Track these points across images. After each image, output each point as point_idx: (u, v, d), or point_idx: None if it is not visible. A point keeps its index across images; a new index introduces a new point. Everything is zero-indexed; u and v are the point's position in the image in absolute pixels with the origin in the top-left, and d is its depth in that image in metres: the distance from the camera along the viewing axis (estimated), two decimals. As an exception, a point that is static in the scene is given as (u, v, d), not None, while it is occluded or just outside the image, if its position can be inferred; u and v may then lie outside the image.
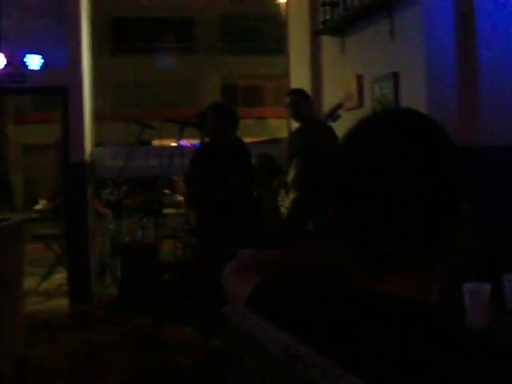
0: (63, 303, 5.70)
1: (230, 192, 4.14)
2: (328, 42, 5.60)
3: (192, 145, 4.54)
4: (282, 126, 7.15)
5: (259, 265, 1.21)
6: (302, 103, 4.55)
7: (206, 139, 4.35)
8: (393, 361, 0.72)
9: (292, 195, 4.48)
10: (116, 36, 17.48)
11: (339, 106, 4.20)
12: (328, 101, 5.49)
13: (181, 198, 5.87)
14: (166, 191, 7.09)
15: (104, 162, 5.88)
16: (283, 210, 4.58)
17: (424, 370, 0.69)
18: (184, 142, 5.13)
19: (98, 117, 6.39)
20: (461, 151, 0.84)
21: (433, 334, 0.74)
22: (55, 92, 5.90)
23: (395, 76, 4.50)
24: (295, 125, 5.13)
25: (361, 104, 5.02)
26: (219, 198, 4.11)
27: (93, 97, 6.05)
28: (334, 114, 4.18)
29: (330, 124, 4.28)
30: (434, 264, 0.83)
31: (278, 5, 6.58)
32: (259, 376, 0.83)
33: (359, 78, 5.05)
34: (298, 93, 4.67)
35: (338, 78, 5.42)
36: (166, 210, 5.96)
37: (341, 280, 1.21)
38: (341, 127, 4.46)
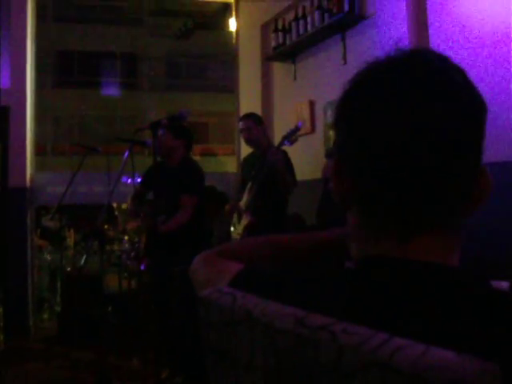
0: (-3, 338, 5.32)
1: (184, 216, 3.97)
2: (280, 69, 5.56)
3: (134, 183, 4.34)
4: (229, 162, 7.07)
5: (240, 252, 1.05)
6: (255, 127, 4.45)
7: (158, 158, 4.16)
8: (428, 329, 0.60)
9: (245, 220, 4.34)
10: (60, 69, 17.21)
11: (297, 129, 4.11)
12: (280, 127, 5.42)
13: (125, 237, 5.66)
14: (105, 226, 6.83)
15: (45, 187, 5.59)
16: (235, 235, 4.43)
17: (462, 335, 0.58)
18: (125, 178, 4.93)
19: (38, 148, 6.12)
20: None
21: (465, 296, 0.64)
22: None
23: (348, 101, 4.45)
24: (245, 151, 5.03)
25: (313, 129, 4.97)
26: (162, 232, 3.92)
27: (35, 121, 5.79)
28: (291, 137, 4.09)
29: (287, 147, 4.19)
30: (460, 228, 0.73)
31: (227, 39, 6.55)
32: (267, 361, 0.66)
33: (311, 104, 5.00)
34: (251, 117, 4.57)
35: (290, 103, 5.37)
36: (108, 246, 5.72)
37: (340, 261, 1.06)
38: (293, 152, 4.39)
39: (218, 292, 0.80)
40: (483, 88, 0.75)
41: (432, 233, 0.70)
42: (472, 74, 0.74)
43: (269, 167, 4.13)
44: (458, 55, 4.12)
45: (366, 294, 0.68)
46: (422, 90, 0.69)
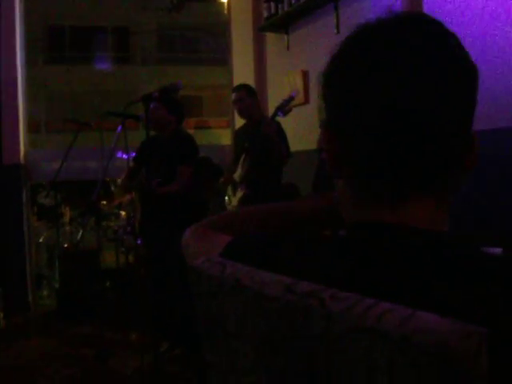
0: (-3, 315, 5.35)
1: (180, 184, 3.96)
2: (272, 39, 5.50)
3: (129, 158, 4.31)
4: (223, 135, 7.03)
5: (231, 223, 1.04)
6: (248, 99, 4.43)
7: (152, 133, 4.13)
8: (414, 292, 0.60)
9: (240, 193, 4.34)
10: (51, 44, 17.04)
11: (291, 99, 4.08)
12: (273, 98, 5.39)
13: (122, 212, 5.66)
14: (103, 202, 6.81)
15: (39, 164, 5.57)
16: (231, 208, 4.43)
17: (447, 299, 0.58)
18: (120, 153, 4.90)
19: (32, 126, 6.09)
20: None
21: (452, 260, 0.64)
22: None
23: (342, 70, 4.42)
24: (239, 123, 5.00)
25: (307, 99, 4.94)
26: (164, 194, 3.92)
27: (27, 99, 5.74)
28: (285, 108, 4.07)
29: (280, 118, 4.16)
30: (448, 193, 0.72)
31: (219, 10, 6.47)
32: (257, 328, 0.66)
33: (305, 74, 4.97)
34: (243, 87, 4.55)
35: (283, 74, 5.32)
36: (104, 222, 5.72)
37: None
38: (287, 123, 4.37)
39: (208, 261, 0.80)
40: (478, 54, 0.74)
41: (423, 199, 0.70)
42: (468, 44, 0.72)
43: (262, 139, 4.12)
44: (453, 24, 4.06)
45: (356, 260, 0.68)
46: (414, 53, 0.68)
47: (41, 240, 6.15)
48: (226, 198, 4.54)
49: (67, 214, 6.47)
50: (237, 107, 4.48)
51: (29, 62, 5.92)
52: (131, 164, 4.28)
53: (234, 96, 4.49)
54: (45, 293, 5.98)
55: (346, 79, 0.72)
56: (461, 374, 0.44)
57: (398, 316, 0.49)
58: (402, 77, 0.67)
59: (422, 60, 0.67)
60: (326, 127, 0.77)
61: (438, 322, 0.47)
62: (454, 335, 0.44)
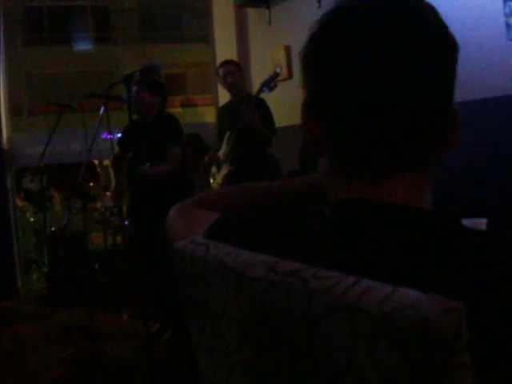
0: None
1: (172, 164, 3.95)
2: (254, 14, 5.46)
3: (113, 138, 4.27)
4: (208, 112, 6.98)
5: (218, 201, 1.04)
6: (237, 72, 4.42)
7: (135, 116, 4.09)
8: (394, 268, 0.61)
9: (224, 170, 4.34)
10: (30, 26, 16.78)
11: (276, 75, 4.07)
12: (256, 74, 5.36)
13: (108, 193, 5.61)
14: (90, 184, 6.78)
15: (23, 148, 5.52)
16: (215, 186, 4.43)
17: (432, 275, 0.59)
18: (105, 134, 4.86)
19: (14, 109, 6.01)
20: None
21: (435, 237, 0.64)
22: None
23: (324, 44, 4.40)
24: (223, 101, 4.98)
25: (290, 75, 4.92)
26: (157, 174, 3.91)
27: (7, 82, 5.66)
28: (270, 84, 4.06)
29: (266, 94, 4.15)
30: (431, 169, 0.72)
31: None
32: (241, 309, 0.66)
33: (287, 49, 4.94)
34: (231, 63, 4.54)
35: (265, 50, 5.29)
36: (91, 204, 5.70)
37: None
38: (271, 99, 4.36)
39: (191, 243, 0.80)
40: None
41: (404, 175, 0.70)
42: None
43: (245, 126, 4.11)
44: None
45: (337, 238, 0.68)
46: (392, 27, 0.67)
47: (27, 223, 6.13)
48: (211, 176, 4.53)
49: (56, 196, 6.45)
50: (227, 81, 4.45)
51: (7, 45, 5.84)
52: (116, 149, 4.24)
53: (222, 70, 4.46)
54: (34, 277, 5.97)
55: (324, 57, 0.71)
56: (441, 349, 0.45)
57: (379, 293, 0.49)
58: (379, 55, 0.66)
59: (399, 36, 0.67)
60: (305, 106, 0.76)
61: (418, 298, 0.47)
62: (433, 311, 0.44)
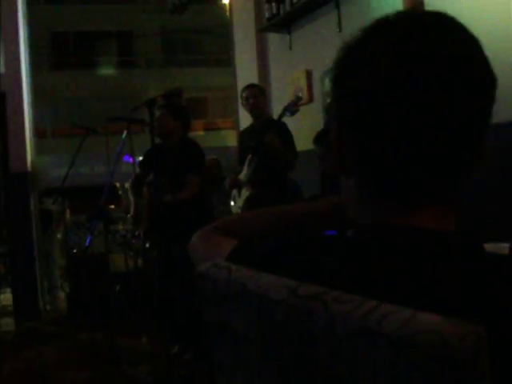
0: (9, 322, 5.38)
1: (190, 193, 3.96)
2: (275, 39, 5.51)
3: (135, 162, 4.31)
4: (230, 136, 7.02)
5: (237, 226, 1.04)
6: (259, 96, 4.46)
7: (157, 141, 4.13)
8: (420, 293, 0.61)
9: (246, 193, 4.35)
10: (55, 50, 17.10)
11: (298, 100, 4.09)
12: (277, 98, 5.39)
13: (129, 215, 5.66)
14: (111, 206, 6.83)
15: (47, 171, 5.60)
16: (236, 209, 4.44)
17: (451, 300, 0.59)
18: (127, 157, 4.91)
19: (37, 133, 6.10)
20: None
21: (460, 262, 0.65)
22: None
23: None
24: (244, 124, 5.01)
25: (311, 99, 4.94)
26: (179, 202, 3.92)
27: (32, 105, 5.77)
28: (292, 108, 4.08)
29: (287, 118, 4.18)
30: (459, 195, 0.72)
31: (221, 12, 6.47)
32: (263, 332, 0.67)
33: (308, 73, 4.97)
34: (255, 86, 4.61)
35: (286, 74, 5.33)
36: (113, 226, 5.74)
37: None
38: (291, 123, 4.38)
39: (214, 266, 0.81)
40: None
41: (433, 203, 0.70)
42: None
43: (267, 149, 4.14)
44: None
45: (362, 262, 0.68)
46: (435, 54, 0.66)
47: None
48: (232, 200, 4.55)
49: (68, 217, 6.48)
50: (250, 103, 4.47)
51: (33, 69, 5.95)
52: (138, 171, 4.28)
53: (246, 93, 4.49)
54: (56, 296, 6.00)
55: (358, 80, 0.69)
56: (462, 373, 0.45)
57: (399, 318, 0.50)
58: (418, 84, 0.65)
59: (441, 65, 0.65)
60: (336, 126, 0.75)
61: (438, 322, 0.47)
62: (453, 335, 0.45)
